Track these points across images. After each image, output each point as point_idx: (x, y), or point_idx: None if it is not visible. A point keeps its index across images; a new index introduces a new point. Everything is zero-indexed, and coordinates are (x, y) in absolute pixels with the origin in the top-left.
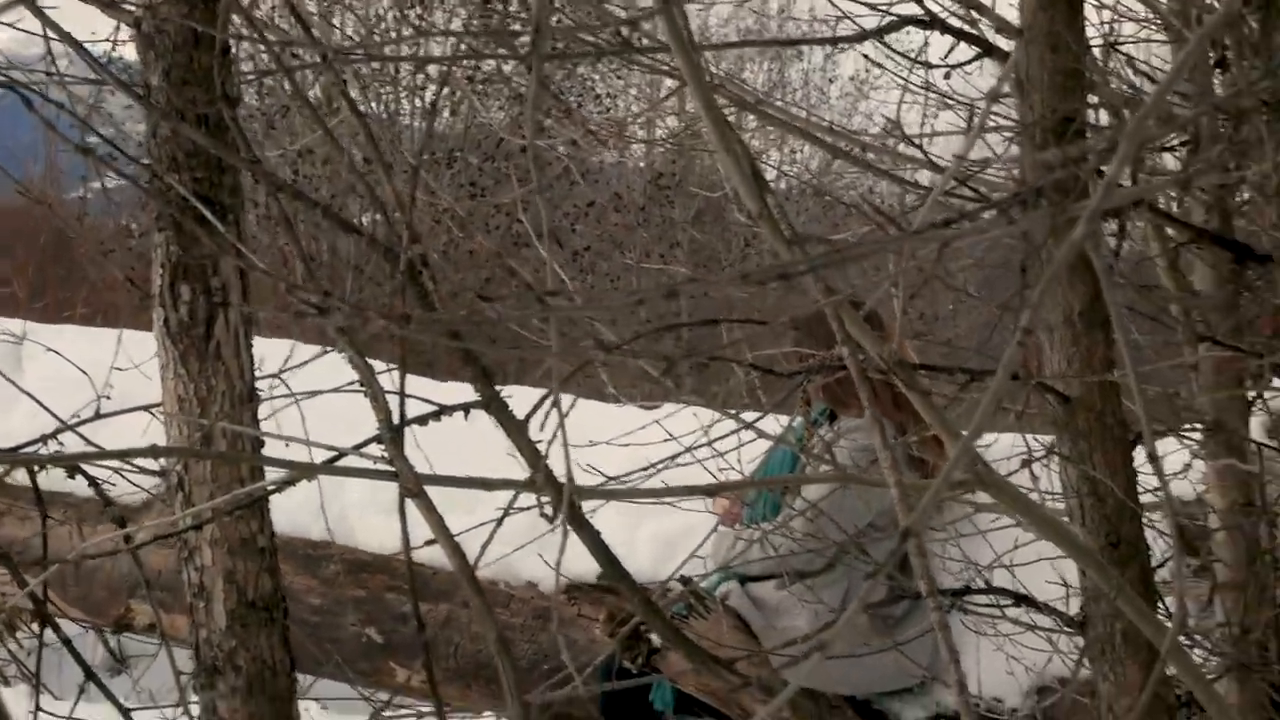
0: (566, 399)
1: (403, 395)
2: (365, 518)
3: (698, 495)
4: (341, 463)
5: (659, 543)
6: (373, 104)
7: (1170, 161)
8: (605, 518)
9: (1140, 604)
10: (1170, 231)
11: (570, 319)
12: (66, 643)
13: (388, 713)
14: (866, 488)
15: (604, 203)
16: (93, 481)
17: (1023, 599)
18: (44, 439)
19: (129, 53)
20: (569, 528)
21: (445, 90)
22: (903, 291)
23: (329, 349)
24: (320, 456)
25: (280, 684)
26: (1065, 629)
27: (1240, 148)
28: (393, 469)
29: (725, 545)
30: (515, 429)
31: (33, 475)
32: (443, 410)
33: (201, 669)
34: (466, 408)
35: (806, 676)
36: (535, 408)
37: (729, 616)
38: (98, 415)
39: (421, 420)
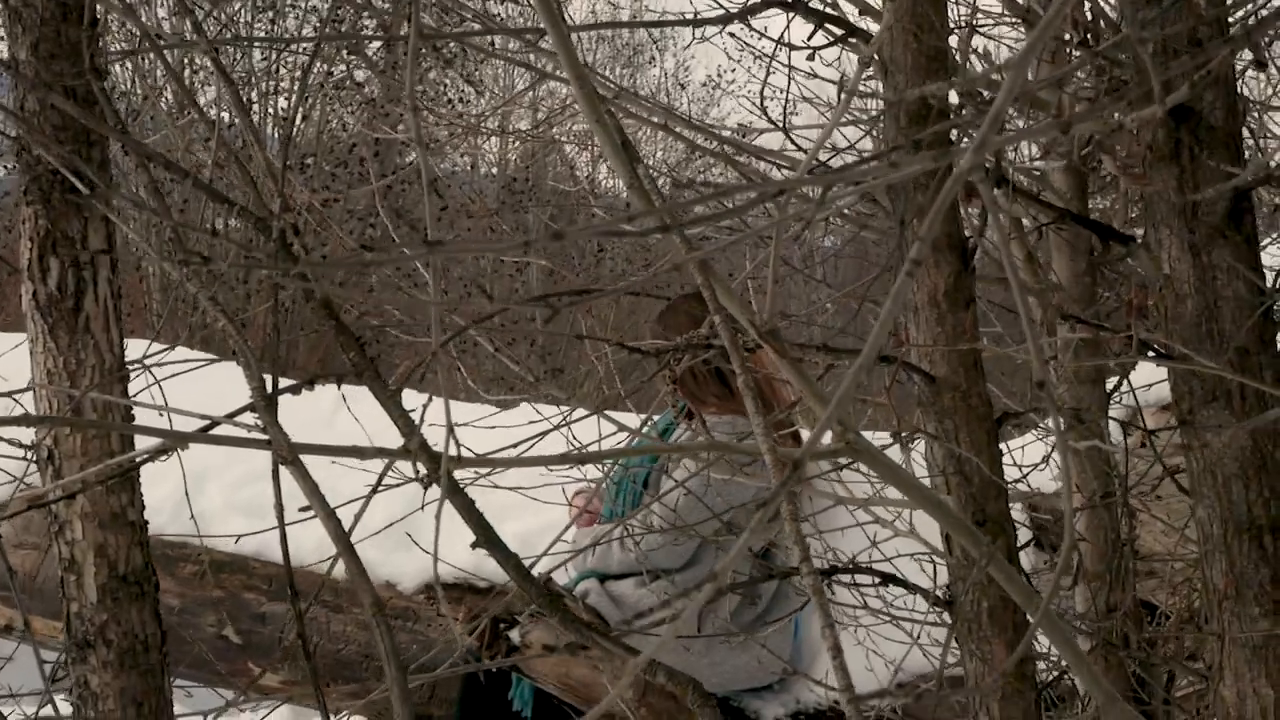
0: (422, 397)
1: (275, 361)
2: (224, 519)
3: (570, 464)
4: (215, 432)
5: (519, 541)
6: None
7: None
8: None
9: (1011, 570)
10: (1026, 222)
11: (420, 318)
12: None
13: (250, 704)
14: (726, 488)
15: (456, 208)
16: None
17: (889, 578)
18: None
19: None
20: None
21: (299, 94)
22: (775, 253)
23: (186, 344)
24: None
25: (152, 658)
26: (931, 610)
27: (1117, 96)
28: (266, 437)
29: (586, 543)
30: (388, 398)
31: None
32: (315, 379)
33: (73, 643)
34: (339, 377)
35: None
36: (408, 374)
37: (589, 614)
38: None
39: (294, 389)
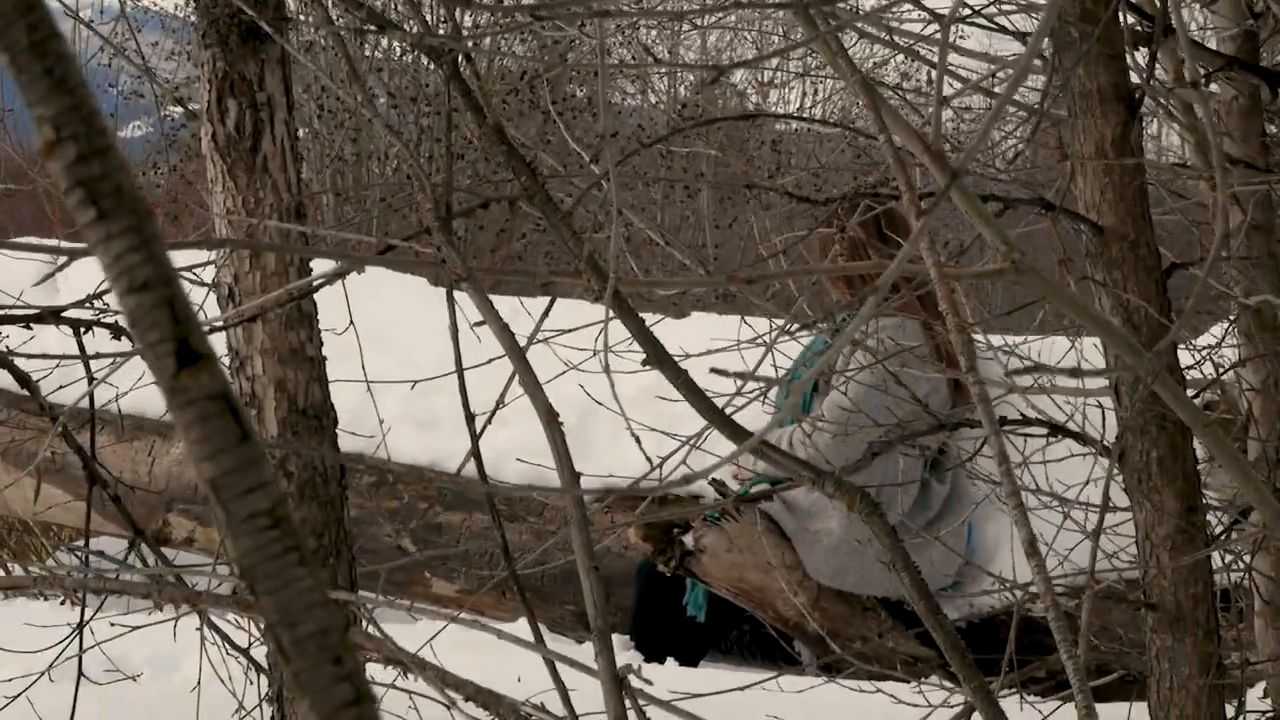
0: (577, 305)
1: (449, 185)
2: (399, 430)
3: (735, 284)
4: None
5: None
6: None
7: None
8: (638, 430)
9: (1175, 387)
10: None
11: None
12: (114, 500)
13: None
14: (893, 386)
15: (627, 136)
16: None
17: (1058, 428)
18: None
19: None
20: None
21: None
22: (940, 70)
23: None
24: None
25: (331, 490)
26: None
27: None
28: (440, 258)
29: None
30: (559, 219)
31: (81, 342)
32: (489, 200)
33: None
34: (513, 199)
35: (839, 578)
36: (579, 198)
37: (762, 519)
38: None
39: (467, 211)
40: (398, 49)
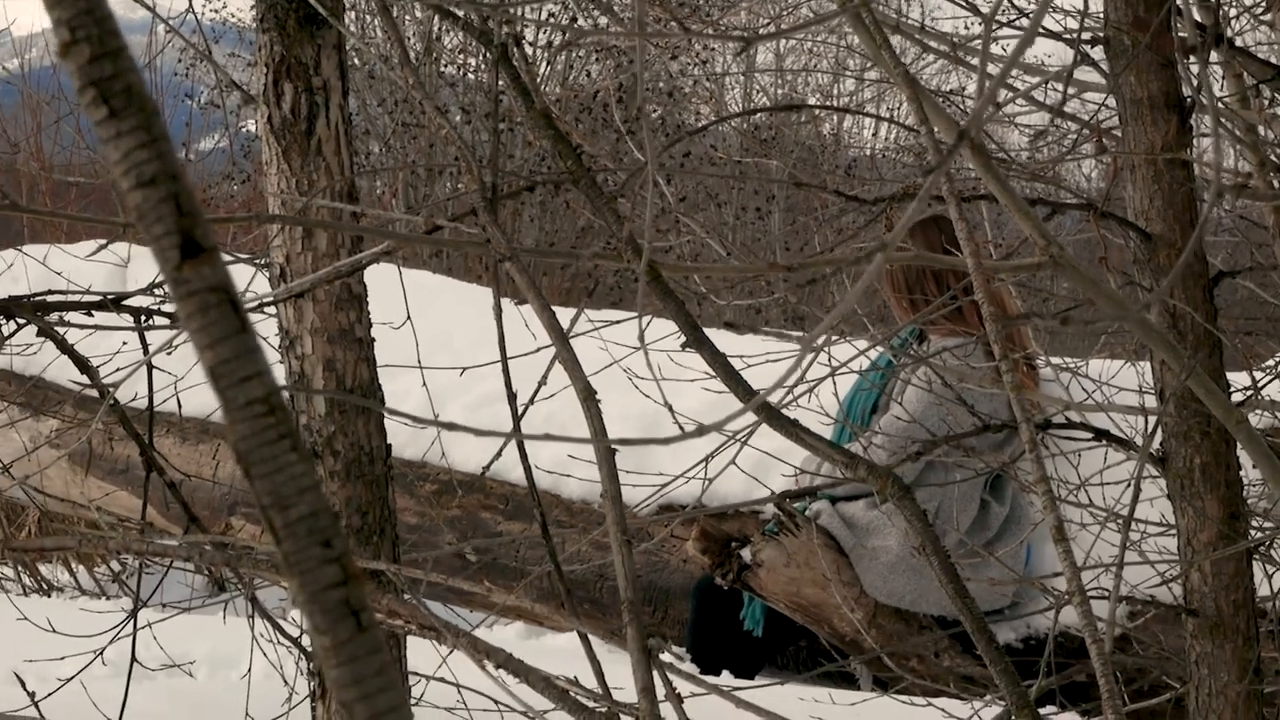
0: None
1: (495, 167)
2: (460, 439)
3: (774, 272)
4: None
5: (751, 463)
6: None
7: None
8: (697, 446)
9: (1210, 384)
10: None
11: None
12: (170, 487)
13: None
14: (951, 406)
15: (700, 156)
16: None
17: (1102, 433)
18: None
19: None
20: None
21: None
22: (983, 55)
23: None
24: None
25: (377, 469)
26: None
27: None
28: (485, 237)
29: (815, 464)
30: (603, 203)
31: (140, 324)
32: (535, 184)
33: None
34: (558, 181)
35: (895, 596)
36: (625, 182)
37: (820, 535)
38: None
39: (514, 194)
40: (473, 64)
